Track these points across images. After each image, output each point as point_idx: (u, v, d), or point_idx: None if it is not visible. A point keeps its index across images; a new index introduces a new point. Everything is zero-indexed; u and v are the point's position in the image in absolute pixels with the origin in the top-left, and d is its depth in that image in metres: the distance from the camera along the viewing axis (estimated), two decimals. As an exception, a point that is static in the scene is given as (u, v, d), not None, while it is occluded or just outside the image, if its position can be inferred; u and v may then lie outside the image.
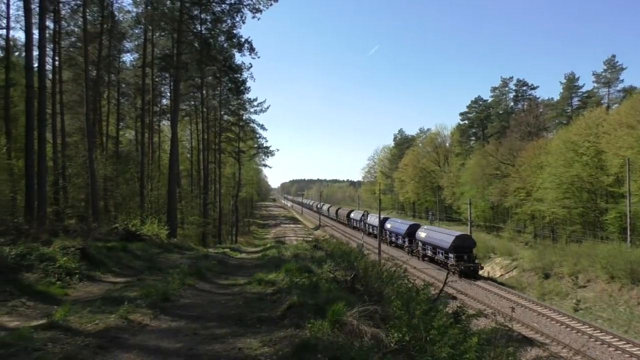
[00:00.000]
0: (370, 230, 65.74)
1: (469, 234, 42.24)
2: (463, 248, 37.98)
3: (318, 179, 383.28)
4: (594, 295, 30.03)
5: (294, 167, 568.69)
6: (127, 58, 56.40)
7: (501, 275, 40.12)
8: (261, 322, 7.53)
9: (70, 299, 9.27)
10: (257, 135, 61.25)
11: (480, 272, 38.71)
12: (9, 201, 20.63)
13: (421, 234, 46.10)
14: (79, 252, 12.22)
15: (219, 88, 46.93)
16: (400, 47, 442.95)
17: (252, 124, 58.45)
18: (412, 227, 51.11)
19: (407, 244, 50.95)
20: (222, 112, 51.11)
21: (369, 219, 67.17)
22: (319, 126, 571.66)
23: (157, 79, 41.41)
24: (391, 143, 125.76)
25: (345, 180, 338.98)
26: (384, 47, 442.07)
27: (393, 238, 55.85)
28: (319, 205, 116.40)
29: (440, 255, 41.00)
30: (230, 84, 40.87)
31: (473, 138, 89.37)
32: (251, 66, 37.92)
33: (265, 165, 74.60)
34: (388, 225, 57.89)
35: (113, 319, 7.45)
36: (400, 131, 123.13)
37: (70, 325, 7.00)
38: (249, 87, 42.61)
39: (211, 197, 49.82)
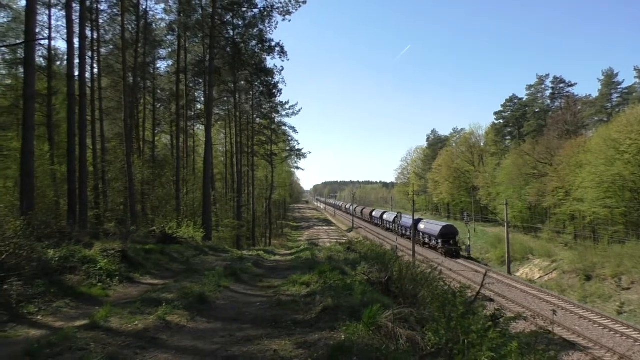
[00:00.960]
0: (404, 231, 65.05)
1: (452, 224, 54.86)
2: (448, 235, 50.15)
3: (351, 181, 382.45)
4: (639, 298, 28.87)
5: (327, 170, 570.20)
6: (162, 65, 57.79)
7: (540, 277, 39.10)
8: (296, 325, 7.53)
9: (110, 300, 9.50)
10: (289, 138, 61.85)
11: (518, 275, 40.65)
12: (53, 205, 21.33)
13: (421, 226, 57.54)
14: (118, 254, 12.53)
15: (251, 92, 47.47)
16: (431, 49, 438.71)
17: (283, 127, 59.01)
18: (446, 228, 51.26)
19: (440, 245, 51.15)
20: (255, 116, 51.67)
21: (402, 220, 66.63)
22: (351, 128, 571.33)
23: (190, 85, 42.14)
24: (424, 144, 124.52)
25: (378, 181, 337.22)
26: (414, 49, 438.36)
27: (426, 239, 55.31)
28: (352, 207, 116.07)
29: (433, 241, 53.10)
30: (262, 88, 41.27)
31: (508, 137, 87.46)
32: (282, 69, 38.23)
33: (297, 168, 75.09)
34: (422, 227, 57.19)
35: (152, 320, 7.59)
36: (433, 132, 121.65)
37: (111, 326, 7.17)
38: (281, 90, 42.99)
39: (245, 199, 50.38)
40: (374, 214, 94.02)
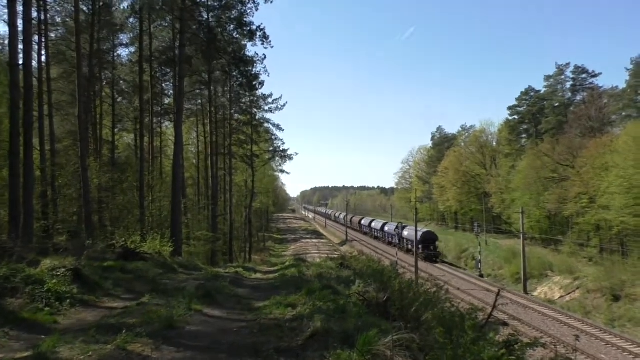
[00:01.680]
0: (405, 244, 66.04)
1: (432, 230, 68.45)
2: (428, 241, 62.76)
3: (344, 187, 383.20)
4: (675, 321, 29.18)
5: (316, 174, 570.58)
6: (123, 52, 57.45)
7: (561, 297, 39.39)
8: (280, 353, 7.48)
9: (60, 328, 9.36)
10: (273, 137, 61.74)
11: (536, 294, 41.84)
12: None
13: (404, 232, 69.98)
14: (70, 273, 12.36)
15: (228, 84, 47.43)
16: (436, 35, 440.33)
17: (266, 124, 58.97)
18: (426, 234, 59.00)
19: (420, 250, 57.94)
20: (232, 111, 51.61)
21: (404, 232, 67.96)
22: (344, 128, 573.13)
23: (157, 75, 42.03)
24: (428, 143, 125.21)
25: (376, 187, 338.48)
26: (418, 35, 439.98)
27: (409, 246, 59.68)
28: (345, 217, 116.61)
29: (410, 245, 64.50)
30: (241, 79, 41.26)
31: (524, 136, 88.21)
32: (265, 57, 37.95)
33: (282, 171, 75.06)
34: (405, 233, 61.01)
35: (109, 350, 7.48)
36: (439, 129, 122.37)
37: (60, 358, 7.04)
38: (263, 82, 42.96)
39: (221, 208, 50.19)
40: (373, 225, 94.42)
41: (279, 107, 55.30)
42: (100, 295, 12.60)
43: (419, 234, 59.04)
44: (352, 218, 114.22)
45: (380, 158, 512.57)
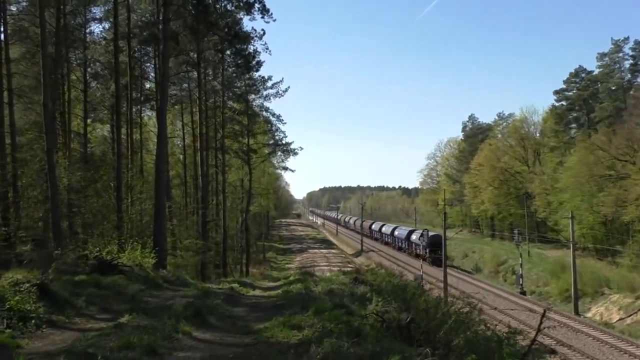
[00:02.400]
0: (413, 248, 67.97)
1: (439, 234, 67.36)
2: (435, 244, 67.54)
3: (359, 186, 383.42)
4: None
5: (325, 172, 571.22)
6: (97, 28, 57.75)
7: (620, 319, 39.16)
8: (282, 385, 7.50)
9: (24, 352, 9.42)
10: (273, 128, 61.76)
11: (589, 315, 41.73)
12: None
13: (413, 236, 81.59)
14: (36, 289, 12.43)
15: (221, 65, 47.48)
16: (466, 6, 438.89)
17: (265, 113, 58.95)
18: (433, 238, 62.25)
19: (427, 254, 67.48)
20: (226, 98, 51.65)
21: (412, 236, 69.99)
22: (359, 119, 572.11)
23: (137, 56, 42.07)
24: (459, 134, 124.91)
25: (397, 187, 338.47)
26: (445, 9, 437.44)
27: (418, 250, 61.21)
28: (360, 223, 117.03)
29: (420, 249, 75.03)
30: (237, 59, 41.32)
31: (574, 125, 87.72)
32: (264, 33, 37.89)
33: (285, 169, 74.46)
34: (413, 237, 61.03)
35: (81, 380, 7.53)
36: (472, 118, 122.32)
37: (25, 389, 7.10)
38: (262, 61, 43.03)
39: (212, 213, 50.27)
40: (396, 233, 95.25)
41: (280, 92, 55.24)
42: (71, 315, 12.67)
43: (426, 236, 73.24)
44: (362, 223, 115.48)
45: (402, 153, 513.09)
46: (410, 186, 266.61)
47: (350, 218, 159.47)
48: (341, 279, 20.97)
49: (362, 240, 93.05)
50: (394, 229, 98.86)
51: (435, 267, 64.89)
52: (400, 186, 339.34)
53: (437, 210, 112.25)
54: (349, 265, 51.92)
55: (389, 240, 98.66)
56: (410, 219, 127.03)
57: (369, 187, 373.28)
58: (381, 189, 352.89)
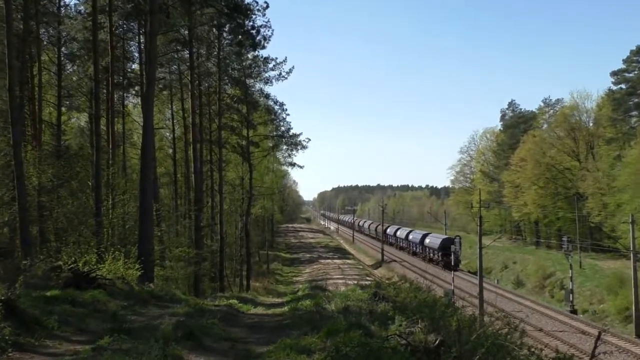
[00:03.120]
0: (427, 252, 69.62)
1: (452, 237, 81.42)
2: (448, 247, 74.22)
3: (379, 185, 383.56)
4: None
5: (340, 170, 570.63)
6: (72, 1, 57.97)
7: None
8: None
9: (-12, 381, 9.48)
10: (277, 118, 61.43)
11: None
12: None
13: (426, 240, 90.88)
14: (0, 306, 12.50)
15: (216, 44, 47.44)
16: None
17: (266, 100, 58.58)
18: (446, 241, 69.65)
19: (440, 257, 77.76)
20: (223, 82, 51.54)
21: (426, 239, 72.67)
22: (378, 110, 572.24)
23: (119, 33, 42.07)
24: (497, 124, 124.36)
25: (424, 186, 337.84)
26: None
27: (431, 254, 64.28)
28: (380, 228, 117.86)
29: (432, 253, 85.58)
30: (236, 36, 41.27)
31: (635, 113, 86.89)
32: (267, 6, 37.68)
33: (292, 165, 73.64)
34: (427, 241, 62.45)
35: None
36: (512, 105, 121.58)
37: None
38: (270, 36, 43.15)
39: (207, 216, 50.35)
40: (410, 237, 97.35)
41: (283, 74, 54.74)
42: (42, 337, 12.71)
43: (438, 240, 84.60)
44: (377, 227, 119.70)
45: (430, 148, 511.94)
46: (440, 185, 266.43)
47: (365, 222, 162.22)
48: (358, 295, 20.92)
49: (382, 249, 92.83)
50: (409, 232, 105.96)
51: (447, 270, 72.85)
52: (427, 185, 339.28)
53: (471, 213, 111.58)
54: (368, 278, 51.78)
55: (404, 244, 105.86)
56: (439, 224, 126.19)
57: (390, 187, 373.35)
58: (405, 188, 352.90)
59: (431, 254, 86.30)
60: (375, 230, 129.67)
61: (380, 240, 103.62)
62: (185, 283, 38.52)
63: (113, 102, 41.51)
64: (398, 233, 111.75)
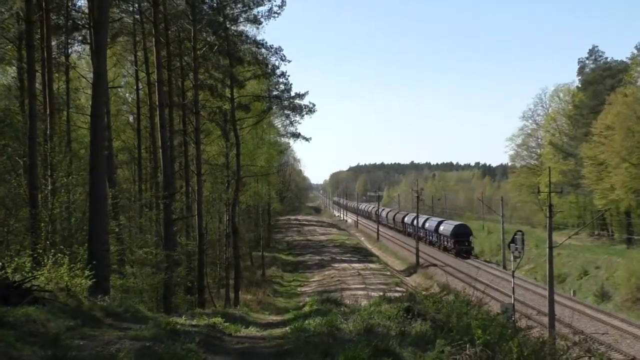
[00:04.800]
0: (441, 240, 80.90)
1: (465, 224, 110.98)
2: (460, 235, 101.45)
3: (412, 164, 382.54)
4: None
5: (360, 144, 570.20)
6: None
7: None
8: None
9: None
10: (273, 70, 60.64)
11: None
12: None
13: (440, 227, 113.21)
14: None
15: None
16: None
17: (256, 49, 57.83)
18: (458, 228, 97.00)
19: (452, 245, 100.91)
20: (199, 25, 50.99)
21: (440, 227, 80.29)
22: (409, 62, 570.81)
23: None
24: (573, 80, 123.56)
25: (472, 164, 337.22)
26: None
27: (446, 243, 76.67)
28: (400, 217, 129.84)
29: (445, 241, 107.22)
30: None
31: None
32: None
33: (295, 136, 72.45)
34: (442, 228, 69.10)
35: None
36: (594, 53, 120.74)
37: None
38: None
39: (181, 206, 50.40)
40: (427, 225, 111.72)
41: (274, 10, 53.99)
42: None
43: (450, 227, 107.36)
44: (441, 226, 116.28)
45: (480, 113, 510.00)
46: (494, 163, 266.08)
47: (382, 210, 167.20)
48: (385, 310, 20.91)
49: (417, 249, 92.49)
50: (426, 220, 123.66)
51: (460, 259, 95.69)
52: (478, 163, 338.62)
53: (537, 200, 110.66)
54: (398, 289, 51.96)
55: (422, 234, 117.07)
56: (493, 214, 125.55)
57: (428, 165, 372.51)
58: (448, 167, 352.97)
59: (445, 243, 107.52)
60: (399, 219, 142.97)
61: (413, 235, 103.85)
62: (152, 296, 38.63)
63: (51, 51, 41.47)
64: (416, 222, 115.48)
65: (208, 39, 54.24)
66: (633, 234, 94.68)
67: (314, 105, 60.50)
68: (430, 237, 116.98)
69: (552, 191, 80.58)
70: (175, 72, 50.22)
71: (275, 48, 57.37)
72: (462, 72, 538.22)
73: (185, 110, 51.65)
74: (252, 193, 78.45)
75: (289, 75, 60.76)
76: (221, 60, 53.89)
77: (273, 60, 58.69)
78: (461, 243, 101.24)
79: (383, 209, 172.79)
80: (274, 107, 63.91)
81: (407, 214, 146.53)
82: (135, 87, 55.53)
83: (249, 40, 57.15)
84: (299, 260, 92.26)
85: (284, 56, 57.95)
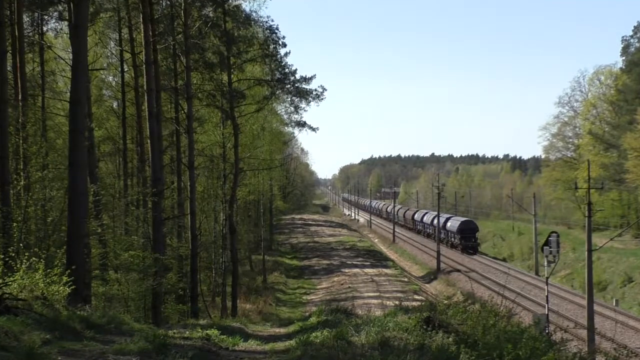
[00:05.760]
0: (449, 237, 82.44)
1: (472, 219, 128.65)
2: (466, 230, 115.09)
3: (433, 156, 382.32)
4: None
5: (374, 135, 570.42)
6: None
7: None
8: None
9: None
10: (274, 52, 60.37)
11: None
12: None
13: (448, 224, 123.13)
14: None
15: None
16: None
17: (255, 28, 57.47)
18: (464, 224, 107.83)
19: (458, 241, 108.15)
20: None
21: (447, 223, 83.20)
22: (429, 43, 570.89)
23: None
24: (616, 61, 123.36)
25: (501, 157, 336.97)
26: None
27: (452, 238, 78.11)
28: (410, 214, 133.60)
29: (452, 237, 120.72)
30: None
31: None
32: None
33: (301, 125, 71.92)
34: (448, 224, 68.55)
35: None
36: (639, 30, 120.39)
37: None
38: None
39: (171, 203, 50.43)
40: (435, 222, 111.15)
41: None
42: None
43: (457, 223, 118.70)
44: (405, 212, 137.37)
45: (510, 101, 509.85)
46: (526, 155, 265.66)
47: (399, 208, 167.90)
48: (402, 322, 20.94)
49: (438, 252, 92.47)
50: (447, 220, 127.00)
51: (467, 255, 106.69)
52: (507, 156, 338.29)
53: (575, 197, 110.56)
54: (416, 297, 51.98)
55: (443, 235, 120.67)
56: (525, 213, 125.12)
57: (450, 158, 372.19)
58: (473, 159, 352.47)
59: (453, 239, 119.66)
60: (422, 221, 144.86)
61: (433, 237, 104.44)
62: (139, 305, 38.67)
63: (22, 28, 41.52)
64: (424, 218, 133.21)
65: (203, 12, 54.09)
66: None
67: (323, 89, 59.88)
68: (452, 239, 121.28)
69: (591, 187, 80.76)
70: (166, 52, 50.02)
71: (275, 27, 57.23)
72: (490, 49, 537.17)
73: (177, 95, 51.51)
74: (252, 189, 78.42)
75: (288, 54, 60.06)
76: (215, 40, 53.66)
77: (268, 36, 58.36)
78: (467, 239, 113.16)
79: (400, 207, 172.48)
80: (277, 92, 63.53)
81: (426, 213, 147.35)
82: (119, 70, 55.53)
83: (247, 16, 57.04)
84: (304, 264, 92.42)
85: (283, 36, 57.89)
